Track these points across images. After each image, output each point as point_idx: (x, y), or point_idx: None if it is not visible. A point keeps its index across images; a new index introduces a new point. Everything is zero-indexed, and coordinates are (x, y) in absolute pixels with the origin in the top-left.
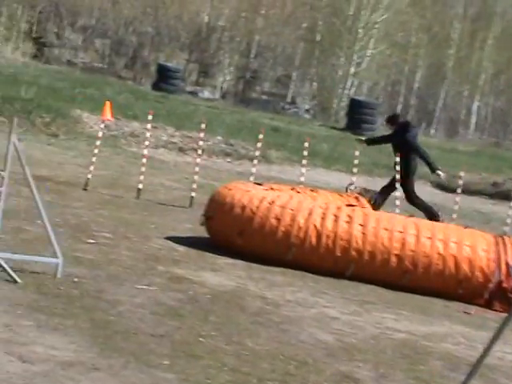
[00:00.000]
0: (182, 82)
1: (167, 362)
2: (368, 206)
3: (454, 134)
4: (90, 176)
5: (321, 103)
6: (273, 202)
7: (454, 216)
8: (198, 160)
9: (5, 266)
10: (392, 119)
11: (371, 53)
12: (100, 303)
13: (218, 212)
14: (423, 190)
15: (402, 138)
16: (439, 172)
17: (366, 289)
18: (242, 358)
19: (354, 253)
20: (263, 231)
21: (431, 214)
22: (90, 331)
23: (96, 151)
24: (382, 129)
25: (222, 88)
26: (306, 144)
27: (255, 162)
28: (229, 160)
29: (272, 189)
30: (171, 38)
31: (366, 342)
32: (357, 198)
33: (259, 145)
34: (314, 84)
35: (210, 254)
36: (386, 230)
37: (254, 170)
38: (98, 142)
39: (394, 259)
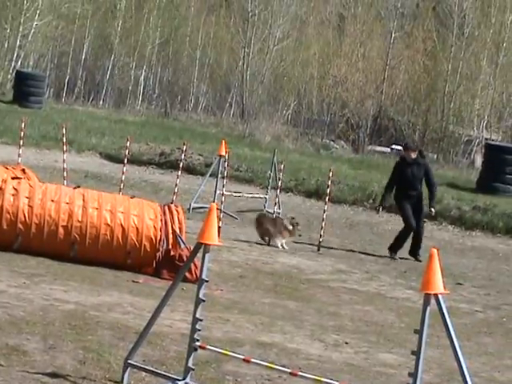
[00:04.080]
0: None
1: None
2: (35, 178)
3: (122, 105)
4: None
5: None
6: None
7: (122, 186)
8: None
9: None
10: (412, 146)
11: (37, 24)
12: None
13: None
14: (92, 160)
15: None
16: (433, 210)
17: (35, 261)
18: None
19: (20, 225)
20: None
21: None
22: None
23: None
24: (50, 101)
25: None
26: None
27: None
28: None
29: None
30: None
31: (34, 315)
32: (23, 170)
33: None
34: None
35: None
36: (53, 201)
37: None
38: None
39: (61, 231)
